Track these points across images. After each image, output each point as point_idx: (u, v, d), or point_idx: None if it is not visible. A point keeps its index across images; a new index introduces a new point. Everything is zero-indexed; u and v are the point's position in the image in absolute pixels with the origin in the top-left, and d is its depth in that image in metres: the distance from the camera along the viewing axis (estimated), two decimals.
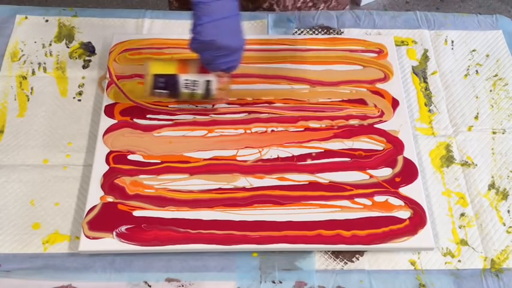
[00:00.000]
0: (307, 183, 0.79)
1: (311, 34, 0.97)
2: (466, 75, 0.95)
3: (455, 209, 0.80)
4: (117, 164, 0.79)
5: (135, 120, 0.84)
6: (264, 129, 0.84)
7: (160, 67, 0.78)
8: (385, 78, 0.91)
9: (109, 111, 0.84)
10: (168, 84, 0.78)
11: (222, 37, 0.71)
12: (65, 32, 0.95)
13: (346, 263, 0.74)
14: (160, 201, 0.76)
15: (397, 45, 0.96)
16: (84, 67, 0.91)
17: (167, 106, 0.85)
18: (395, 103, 0.88)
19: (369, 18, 1.00)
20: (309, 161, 0.81)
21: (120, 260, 0.73)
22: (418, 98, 0.91)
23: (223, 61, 0.74)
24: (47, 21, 0.97)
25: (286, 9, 1.04)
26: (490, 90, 0.93)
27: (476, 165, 0.84)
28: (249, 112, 0.86)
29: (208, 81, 0.78)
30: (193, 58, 0.77)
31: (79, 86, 0.89)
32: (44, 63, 0.91)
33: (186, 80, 0.77)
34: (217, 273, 0.73)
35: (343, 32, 0.98)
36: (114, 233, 0.73)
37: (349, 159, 0.82)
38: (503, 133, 0.88)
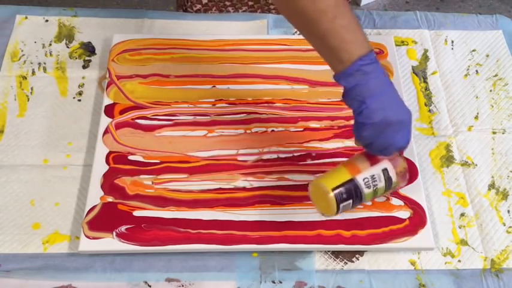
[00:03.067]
0: (307, 183, 0.79)
1: None
2: (466, 75, 0.95)
3: (455, 209, 0.80)
4: (117, 164, 0.79)
5: (136, 120, 0.84)
6: (264, 129, 0.84)
7: (333, 180, 0.69)
8: None
9: (109, 111, 0.84)
10: (350, 193, 0.68)
11: (391, 112, 0.65)
12: (65, 32, 0.95)
13: (346, 263, 0.74)
14: (160, 201, 0.76)
15: (397, 45, 0.96)
16: (84, 67, 0.91)
17: (169, 105, 0.85)
18: None
19: (368, 18, 1.00)
20: (309, 161, 0.81)
21: (120, 260, 0.73)
22: (418, 98, 0.91)
23: (399, 138, 0.66)
24: (47, 21, 0.97)
25: None
26: (490, 90, 0.93)
27: (476, 165, 0.84)
28: (249, 112, 0.86)
29: (385, 170, 0.69)
30: (356, 155, 0.71)
31: (79, 86, 0.89)
32: (44, 63, 0.91)
33: (365, 179, 0.68)
34: (217, 273, 0.73)
35: None
36: (114, 233, 0.73)
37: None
38: (503, 133, 0.88)
